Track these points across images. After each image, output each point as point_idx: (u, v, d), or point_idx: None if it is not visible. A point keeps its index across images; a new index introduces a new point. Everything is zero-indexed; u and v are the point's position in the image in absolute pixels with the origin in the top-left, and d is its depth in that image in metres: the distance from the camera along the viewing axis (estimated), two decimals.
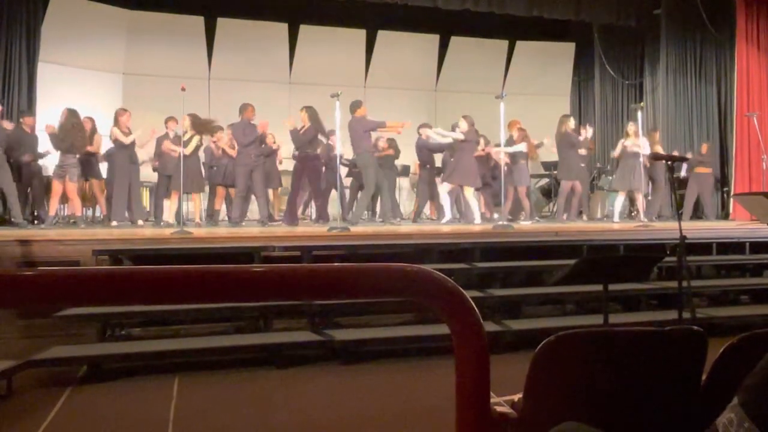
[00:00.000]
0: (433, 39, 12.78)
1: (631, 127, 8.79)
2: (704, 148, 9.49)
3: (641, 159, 8.42)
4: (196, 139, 7.92)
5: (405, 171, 10.82)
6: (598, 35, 12.03)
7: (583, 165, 9.08)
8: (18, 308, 4.28)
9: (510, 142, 8.66)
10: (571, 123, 8.92)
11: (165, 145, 8.28)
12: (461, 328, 0.82)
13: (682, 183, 9.36)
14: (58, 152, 7.46)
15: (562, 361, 1.41)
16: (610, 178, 10.17)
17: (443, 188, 8.54)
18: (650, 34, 11.23)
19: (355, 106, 7.98)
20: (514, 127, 8.84)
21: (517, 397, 1.48)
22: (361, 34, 12.35)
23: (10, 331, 4.57)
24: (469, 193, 8.32)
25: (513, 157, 8.58)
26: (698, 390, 1.42)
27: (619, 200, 8.90)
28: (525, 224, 8.16)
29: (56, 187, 7.39)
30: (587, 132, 9.43)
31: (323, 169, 8.59)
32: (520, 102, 11.42)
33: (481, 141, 9.06)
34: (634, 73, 12.11)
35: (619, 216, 8.81)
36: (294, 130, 8.11)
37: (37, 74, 9.46)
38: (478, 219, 8.26)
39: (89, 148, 7.87)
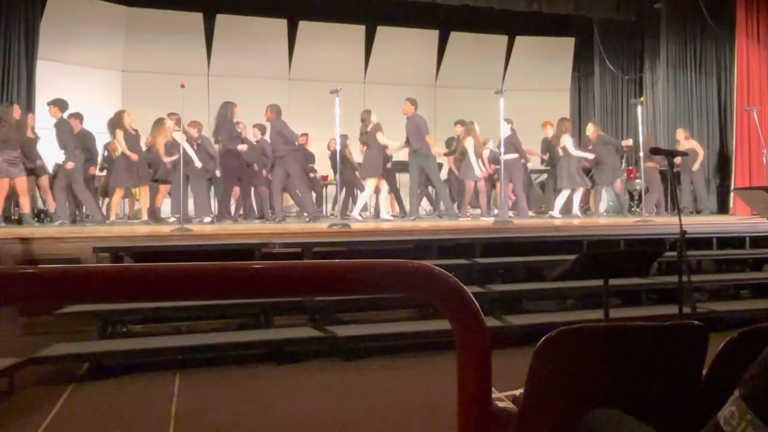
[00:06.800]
0: (433, 34, 12.76)
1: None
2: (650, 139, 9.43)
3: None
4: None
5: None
6: (597, 30, 12.01)
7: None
8: (19, 306, 4.29)
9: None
10: (590, 128, 9.32)
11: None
12: (462, 324, 0.82)
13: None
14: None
15: (563, 356, 1.41)
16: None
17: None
18: (650, 28, 11.21)
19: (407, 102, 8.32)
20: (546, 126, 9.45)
21: (518, 392, 1.49)
22: (360, 30, 12.33)
23: (12, 329, 4.58)
24: (383, 189, 8.78)
25: (463, 154, 8.98)
26: (699, 384, 1.43)
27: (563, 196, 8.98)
28: (463, 220, 8.31)
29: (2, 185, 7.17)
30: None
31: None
32: (519, 97, 11.40)
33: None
34: (633, 68, 12.09)
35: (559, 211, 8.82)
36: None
37: (35, 72, 9.45)
38: (385, 215, 8.79)
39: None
